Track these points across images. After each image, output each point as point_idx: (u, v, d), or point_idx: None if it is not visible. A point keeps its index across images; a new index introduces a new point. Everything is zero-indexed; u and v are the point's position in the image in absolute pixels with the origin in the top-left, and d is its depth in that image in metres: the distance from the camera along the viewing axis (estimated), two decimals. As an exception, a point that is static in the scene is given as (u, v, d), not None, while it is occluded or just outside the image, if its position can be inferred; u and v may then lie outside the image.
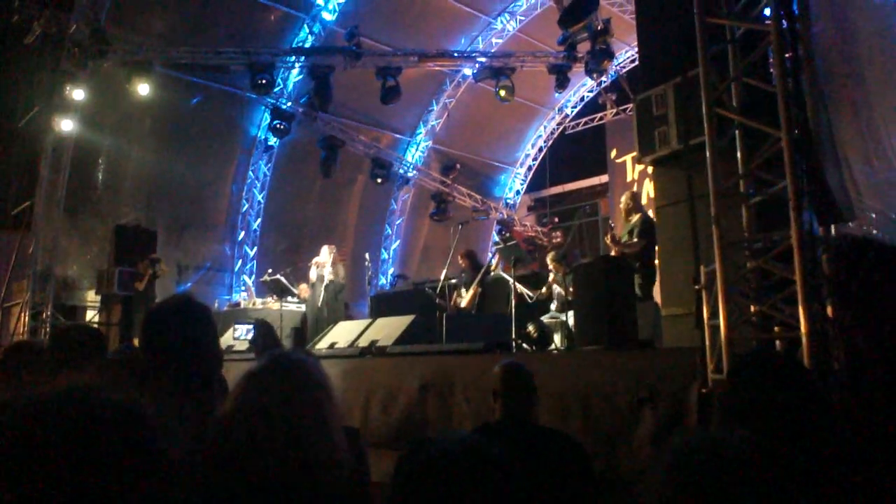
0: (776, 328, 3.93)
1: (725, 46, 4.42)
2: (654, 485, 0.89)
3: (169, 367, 1.68)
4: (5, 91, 11.25)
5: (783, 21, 4.02)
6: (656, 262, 6.59)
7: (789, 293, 3.72)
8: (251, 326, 6.74)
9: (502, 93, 12.79)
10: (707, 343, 3.99)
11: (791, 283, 3.70)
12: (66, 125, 10.40)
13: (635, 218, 6.98)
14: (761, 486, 0.87)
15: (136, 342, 3.55)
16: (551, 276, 7.78)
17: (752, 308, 3.99)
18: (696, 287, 4.20)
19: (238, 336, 8.17)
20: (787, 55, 4.02)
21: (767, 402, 1.53)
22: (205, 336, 1.74)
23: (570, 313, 6.32)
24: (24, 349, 2.61)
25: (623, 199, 7.36)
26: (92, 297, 11.57)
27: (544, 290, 7.79)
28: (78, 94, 10.25)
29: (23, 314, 10.39)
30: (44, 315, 10.38)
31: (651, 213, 7.00)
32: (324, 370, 1.55)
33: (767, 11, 4.21)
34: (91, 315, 11.54)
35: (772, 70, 4.25)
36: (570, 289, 6.27)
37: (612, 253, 6.85)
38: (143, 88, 10.64)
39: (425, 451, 1.07)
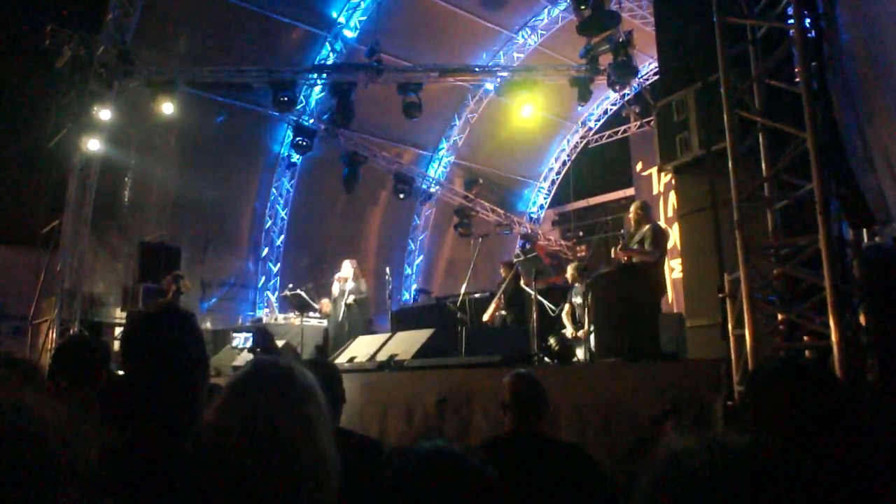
0: (805, 337, 3.75)
1: (746, 47, 4.29)
2: (640, 494, 0.75)
3: (149, 378, 1.61)
4: (36, 113, 11.52)
5: (806, 19, 3.88)
6: (666, 273, 6.42)
7: (818, 301, 3.55)
8: (250, 334, 6.75)
9: (524, 107, 12.71)
10: (733, 354, 3.83)
11: (820, 291, 3.52)
12: (93, 145, 10.58)
13: (645, 228, 6.58)
14: (764, 498, 0.70)
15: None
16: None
17: (780, 316, 3.81)
18: (721, 296, 4.04)
19: (236, 344, 8.15)
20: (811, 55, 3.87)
21: (786, 409, 1.39)
22: (189, 345, 1.68)
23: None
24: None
25: (632, 208, 6.94)
26: (118, 313, 11.69)
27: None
28: (105, 114, 10.43)
29: (51, 331, 10.53)
30: (71, 331, 10.50)
31: (675, 226, 6.82)
32: (311, 377, 1.47)
33: (790, 10, 4.07)
34: (118, 332, 11.66)
35: (796, 70, 4.10)
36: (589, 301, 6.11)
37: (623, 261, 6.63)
38: (167, 107, 10.80)
39: (399, 461, 0.98)
